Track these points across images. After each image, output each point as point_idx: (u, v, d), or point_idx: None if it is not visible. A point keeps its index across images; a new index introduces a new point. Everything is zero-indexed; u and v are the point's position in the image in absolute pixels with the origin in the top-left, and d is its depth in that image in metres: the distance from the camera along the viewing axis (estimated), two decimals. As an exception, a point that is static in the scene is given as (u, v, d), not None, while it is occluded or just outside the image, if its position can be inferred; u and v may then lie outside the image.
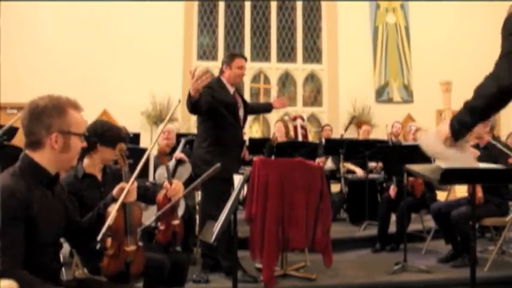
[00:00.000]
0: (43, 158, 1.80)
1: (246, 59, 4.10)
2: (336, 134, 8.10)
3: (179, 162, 4.48)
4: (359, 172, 6.21)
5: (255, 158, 4.48)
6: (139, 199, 2.84)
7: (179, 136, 4.94)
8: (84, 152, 2.61)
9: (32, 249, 1.72)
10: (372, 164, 6.08)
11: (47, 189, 1.84)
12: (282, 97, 4.37)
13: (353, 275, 4.04)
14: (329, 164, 6.50)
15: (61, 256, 2.12)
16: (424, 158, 4.31)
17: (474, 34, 9.71)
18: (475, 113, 2.00)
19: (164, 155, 4.38)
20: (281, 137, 5.90)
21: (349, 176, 6.29)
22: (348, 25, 9.75)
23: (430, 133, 2.39)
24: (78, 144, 1.87)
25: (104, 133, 2.61)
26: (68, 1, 8.78)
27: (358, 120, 9.03)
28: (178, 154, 4.51)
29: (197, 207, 4.66)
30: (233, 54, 4.11)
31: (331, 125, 8.05)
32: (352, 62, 9.62)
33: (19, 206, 1.68)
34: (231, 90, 4.01)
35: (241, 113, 4.07)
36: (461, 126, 2.10)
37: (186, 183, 3.37)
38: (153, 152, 4.92)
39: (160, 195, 2.64)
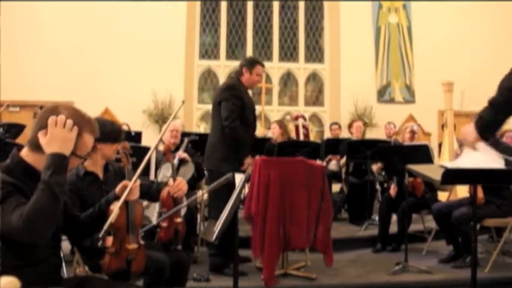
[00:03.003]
0: (38, 160, 1.79)
1: (264, 67, 4.27)
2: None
3: (182, 162, 4.49)
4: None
5: (257, 158, 4.48)
6: (142, 196, 2.86)
7: (183, 135, 4.95)
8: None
9: (29, 244, 1.71)
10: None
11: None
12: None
13: (353, 275, 4.04)
14: (333, 166, 6.49)
15: (61, 252, 2.12)
16: (425, 159, 4.34)
17: (476, 35, 9.69)
18: (497, 106, 2.02)
19: (169, 152, 4.40)
20: (277, 138, 5.93)
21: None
22: (350, 25, 9.74)
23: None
24: (74, 163, 1.87)
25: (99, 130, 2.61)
26: (68, 0, 8.79)
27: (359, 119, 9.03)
28: (182, 154, 4.51)
29: (198, 206, 4.67)
30: (255, 60, 4.25)
31: (339, 123, 8.00)
32: (354, 62, 9.61)
33: (15, 187, 1.70)
34: (249, 91, 4.22)
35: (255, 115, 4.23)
36: (486, 122, 2.12)
37: (189, 183, 3.37)
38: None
39: (164, 193, 2.64)
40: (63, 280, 2.04)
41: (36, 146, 1.78)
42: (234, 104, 3.92)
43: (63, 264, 3.38)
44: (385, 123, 7.86)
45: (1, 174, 1.70)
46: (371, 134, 8.53)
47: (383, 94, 9.75)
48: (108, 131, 2.60)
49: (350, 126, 7.25)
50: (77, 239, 2.35)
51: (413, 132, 5.49)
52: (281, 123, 6.24)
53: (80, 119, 1.82)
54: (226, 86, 4.18)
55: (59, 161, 1.70)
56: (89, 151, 2.58)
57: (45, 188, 1.64)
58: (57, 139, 1.72)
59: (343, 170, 6.32)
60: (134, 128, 7.05)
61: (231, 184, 2.89)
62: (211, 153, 4.07)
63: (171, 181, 2.65)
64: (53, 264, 1.90)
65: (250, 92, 4.27)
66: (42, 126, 1.75)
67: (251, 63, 4.12)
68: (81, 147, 1.83)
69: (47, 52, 8.78)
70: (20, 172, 1.77)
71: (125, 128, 7.16)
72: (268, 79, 9.71)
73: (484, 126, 2.23)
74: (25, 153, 1.81)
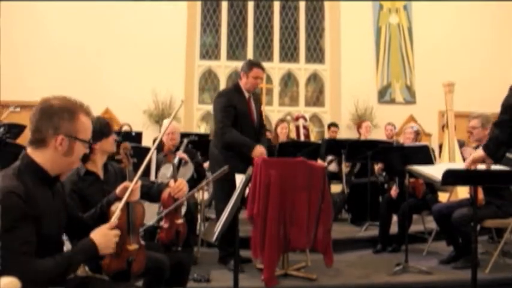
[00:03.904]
0: (44, 157, 1.80)
1: (263, 69, 4.25)
2: (338, 135, 8.09)
3: (181, 162, 4.50)
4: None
5: (256, 158, 4.48)
6: (143, 197, 2.85)
7: (182, 136, 4.96)
8: (87, 156, 2.63)
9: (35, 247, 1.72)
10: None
11: (47, 188, 1.84)
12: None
13: (354, 276, 4.04)
14: (331, 167, 6.49)
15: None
16: (426, 159, 4.34)
17: (477, 35, 9.70)
18: (503, 125, 2.04)
19: (170, 152, 4.43)
20: (283, 138, 5.94)
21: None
22: (351, 25, 9.75)
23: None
24: (81, 150, 1.88)
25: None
26: (67, 0, 8.80)
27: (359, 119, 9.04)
28: (181, 154, 4.53)
29: (199, 206, 4.68)
30: (252, 63, 4.26)
31: (338, 126, 8.00)
32: (354, 63, 9.62)
33: (25, 204, 1.68)
34: (247, 95, 4.21)
35: (255, 117, 4.25)
36: (493, 143, 2.18)
37: (188, 183, 3.38)
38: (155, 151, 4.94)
39: (165, 194, 2.65)
40: (64, 281, 2.04)
41: (38, 142, 1.79)
42: (224, 112, 4.04)
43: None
44: (385, 124, 7.85)
45: (9, 191, 1.68)
46: (371, 135, 8.52)
47: (383, 95, 9.75)
48: (98, 129, 2.60)
49: (359, 126, 7.27)
50: (80, 239, 2.35)
51: (417, 133, 5.49)
52: (289, 124, 6.30)
53: (72, 104, 1.85)
54: (219, 93, 4.33)
55: (90, 253, 1.85)
56: (88, 153, 2.61)
57: (64, 265, 1.74)
58: (105, 238, 1.87)
59: (344, 170, 6.31)
60: (134, 128, 7.07)
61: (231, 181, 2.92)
62: (212, 158, 4.23)
63: (172, 182, 2.66)
64: None
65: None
66: (56, 128, 1.77)
67: (248, 67, 4.17)
68: (81, 129, 1.84)
69: (47, 52, 8.78)
70: (32, 174, 1.77)
71: (126, 128, 7.18)
72: (269, 79, 9.72)
73: (490, 146, 2.26)
74: (31, 154, 1.81)
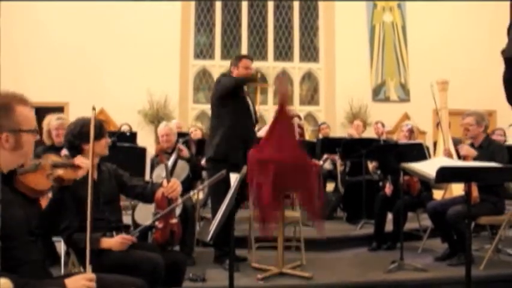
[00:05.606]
0: None
1: (252, 60, 4.33)
2: (333, 133, 8.10)
3: (176, 162, 4.49)
4: None
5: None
6: (137, 197, 2.84)
7: (179, 135, 4.96)
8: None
9: (4, 245, 1.69)
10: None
11: (3, 185, 1.79)
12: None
13: (349, 274, 4.05)
14: (327, 165, 6.50)
15: (42, 249, 2.09)
16: (420, 157, 4.36)
17: (471, 33, 9.73)
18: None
19: (163, 154, 4.40)
20: None
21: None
22: (345, 24, 9.77)
23: None
24: (30, 140, 1.83)
25: (81, 131, 2.61)
26: (66, 1, 8.76)
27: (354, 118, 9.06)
28: (181, 146, 4.56)
29: (195, 206, 4.67)
30: (239, 56, 4.39)
31: (327, 123, 8.03)
32: (349, 61, 9.64)
33: None
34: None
35: (252, 111, 4.30)
36: None
37: (184, 184, 3.38)
38: (151, 152, 4.94)
39: (158, 194, 2.64)
40: (53, 276, 2.03)
41: None
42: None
43: (62, 266, 3.38)
44: (373, 122, 7.87)
45: None
46: (366, 133, 8.55)
47: (378, 93, 9.78)
48: (89, 130, 2.60)
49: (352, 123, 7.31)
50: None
51: (410, 131, 5.47)
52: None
53: (4, 98, 1.79)
54: (222, 74, 4.42)
55: None
56: (81, 153, 2.60)
57: None
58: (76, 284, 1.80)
59: (339, 169, 6.32)
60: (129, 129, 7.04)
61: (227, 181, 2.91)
62: (209, 142, 4.26)
63: (165, 182, 2.65)
64: (34, 261, 1.87)
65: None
66: None
67: (236, 60, 4.26)
68: (22, 121, 1.79)
69: (47, 52, 8.76)
70: None
71: (125, 128, 7.15)
72: (264, 78, 9.73)
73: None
74: None
